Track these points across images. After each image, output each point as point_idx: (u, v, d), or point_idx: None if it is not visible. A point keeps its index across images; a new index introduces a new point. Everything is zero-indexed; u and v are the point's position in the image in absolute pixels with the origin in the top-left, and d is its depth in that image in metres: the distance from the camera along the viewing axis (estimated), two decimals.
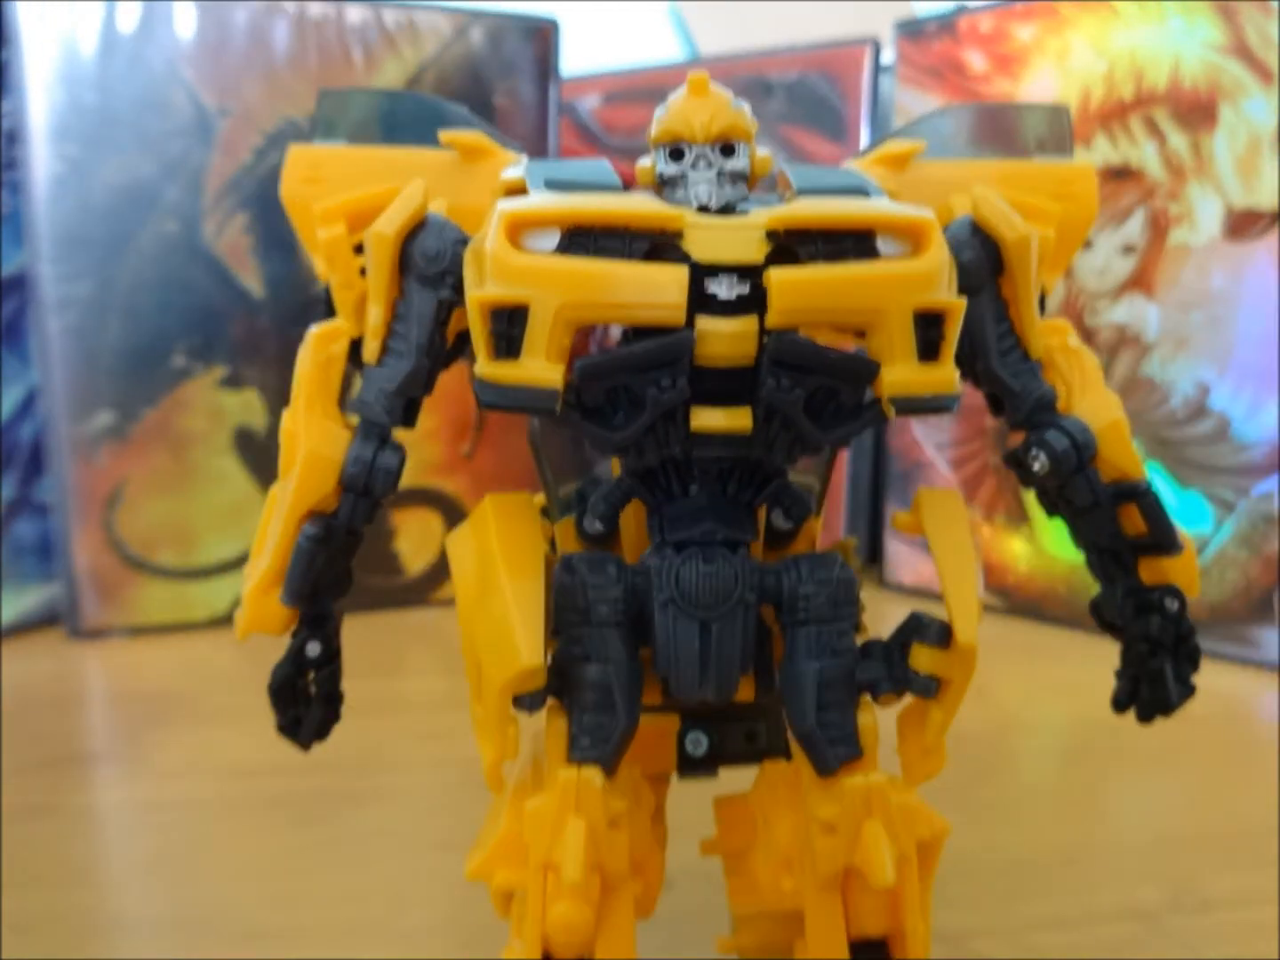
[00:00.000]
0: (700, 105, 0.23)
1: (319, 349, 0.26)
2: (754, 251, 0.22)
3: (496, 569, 0.24)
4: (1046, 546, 0.73)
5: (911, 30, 0.76)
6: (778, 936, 0.27)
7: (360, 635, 0.72)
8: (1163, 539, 0.26)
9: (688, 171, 0.23)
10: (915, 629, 0.25)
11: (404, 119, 0.28)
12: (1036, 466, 0.26)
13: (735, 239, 0.22)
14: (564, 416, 0.23)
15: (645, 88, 0.84)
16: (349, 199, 0.26)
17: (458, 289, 0.24)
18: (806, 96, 0.79)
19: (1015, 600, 0.75)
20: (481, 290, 0.22)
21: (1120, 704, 0.28)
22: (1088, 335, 0.70)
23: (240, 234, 0.69)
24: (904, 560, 0.81)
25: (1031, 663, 0.67)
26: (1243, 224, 0.63)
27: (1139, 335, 0.67)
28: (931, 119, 0.29)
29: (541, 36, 0.74)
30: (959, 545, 0.25)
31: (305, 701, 0.27)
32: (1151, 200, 0.66)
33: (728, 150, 0.23)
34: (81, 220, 0.65)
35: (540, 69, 0.74)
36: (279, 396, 0.71)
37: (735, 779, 0.29)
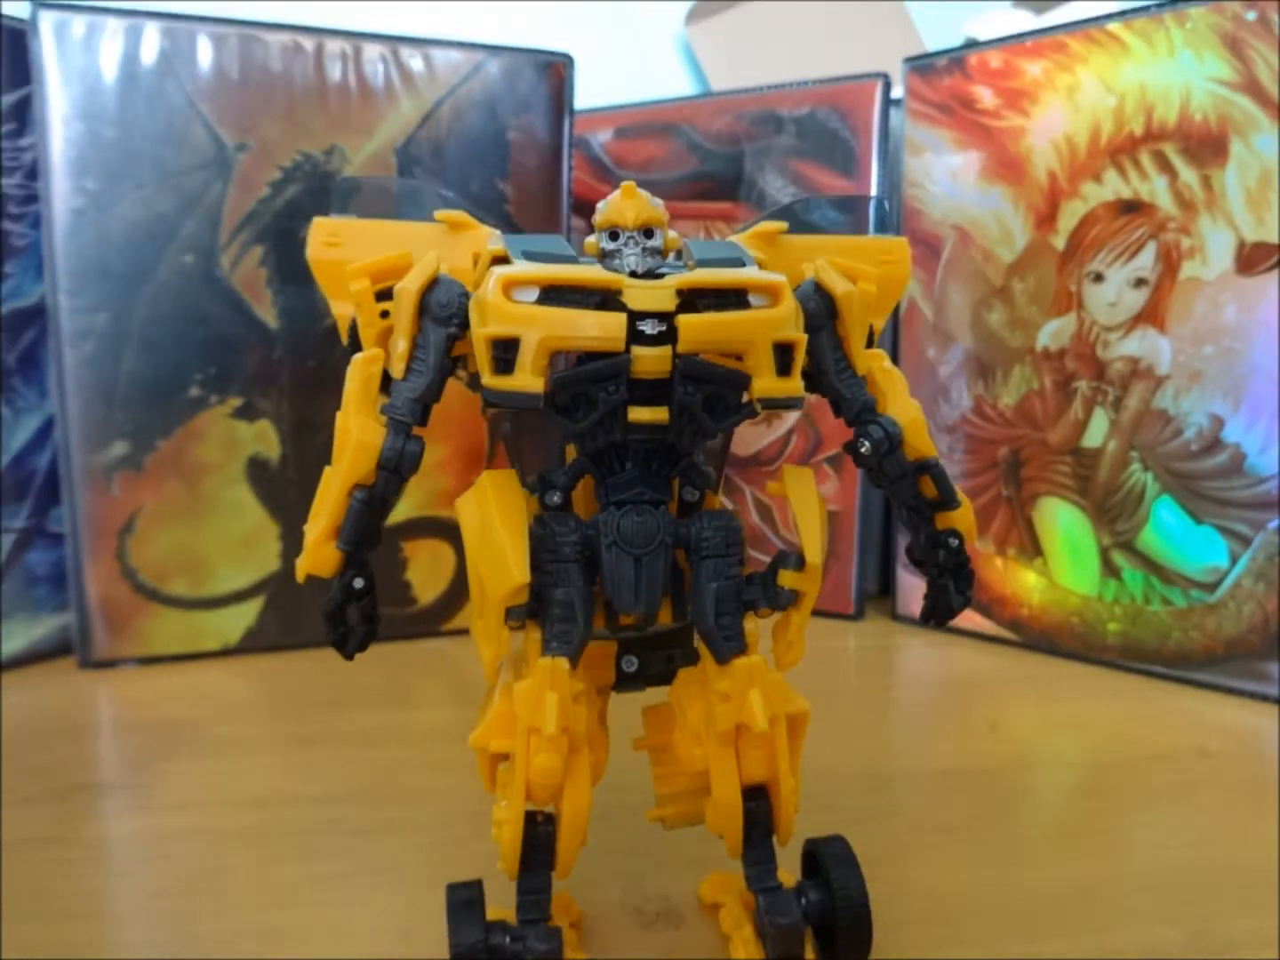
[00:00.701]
0: (630, 204, 0.33)
1: (363, 370, 0.34)
2: (669, 303, 0.32)
3: (494, 520, 0.33)
4: (1060, 579, 0.73)
5: (921, 66, 0.76)
6: (692, 807, 0.37)
7: (371, 665, 0.72)
8: (948, 498, 0.36)
9: (621, 248, 0.33)
10: (781, 561, 0.35)
11: (402, 199, 0.38)
12: (863, 449, 0.35)
13: (657, 295, 0.32)
14: (543, 413, 0.33)
15: (657, 122, 0.85)
16: (370, 262, 0.35)
17: (460, 326, 0.34)
18: (817, 131, 0.80)
19: (1028, 633, 0.75)
20: (486, 328, 0.32)
21: (925, 617, 0.38)
22: (1100, 367, 0.70)
23: (256, 267, 0.70)
24: (915, 593, 0.80)
25: (1045, 697, 0.66)
26: (1255, 258, 0.63)
27: (1151, 368, 0.67)
28: (794, 206, 0.40)
29: (555, 72, 0.75)
30: (809, 504, 0.36)
31: (347, 624, 0.35)
32: (1162, 234, 0.66)
33: (648, 234, 0.33)
34: (100, 253, 0.66)
35: (554, 104, 0.75)
36: (293, 427, 0.71)
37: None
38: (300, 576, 0.34)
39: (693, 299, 0.32)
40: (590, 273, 0.32)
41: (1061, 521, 0.73)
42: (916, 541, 0.37)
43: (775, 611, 0.35)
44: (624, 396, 0.32)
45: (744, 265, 0.34)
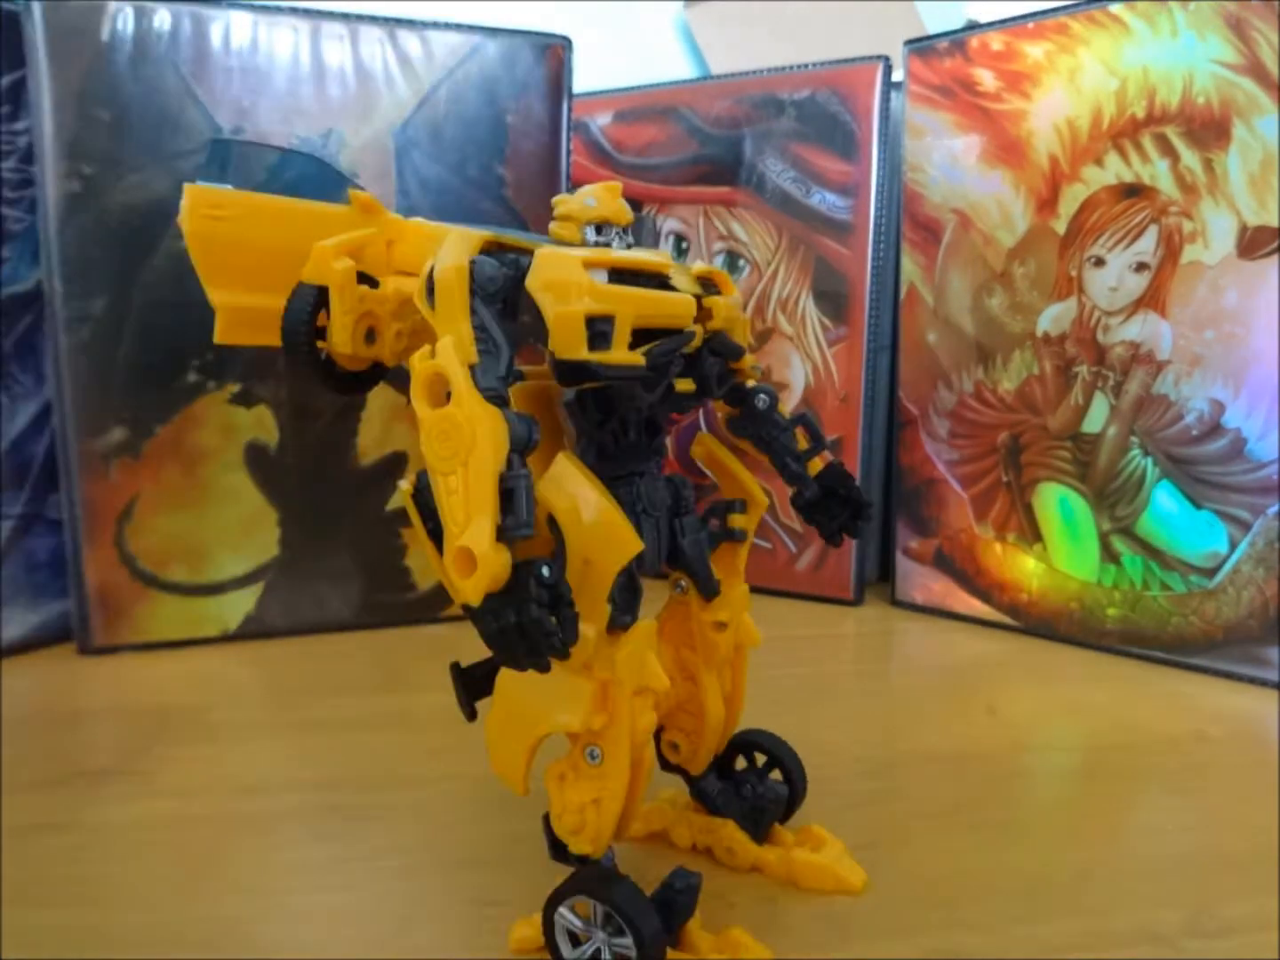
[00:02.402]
0: (618, 205, 0.36)
1: (460, 355, 0.31)
2: (698, 286, 0.38)
3: (597, 496, 0.33)
4: (1059, 565, 0.73)
5: (922, 48, 0.76)
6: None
7: (371, 651, 0.73)
8: (819, 442, 0.42)
9: (612, 240, 0.36)
10: (726, 508, 0.41)
11: (293, 176, 0.36)
12: (760, 404, 0.41)
13: (689, 279, 0.37)
14: (632, 383, 0.35)
15: (656, 106, 0.85)
16: (346, 239, 0.34)
17: (505, 303, 0.33)
18: (817, 114, 0.79)
19: (1028, 619, 0.75)
20: (581, 305, 0.32)
21: (835, 533, 0.43)
22: (1100, 352, 0.69)
23: None
24: (914, 579, 0.81)
25: (1044, 681, 0.66)
26: (1256, 241, 0.62)
27: (1152, 353, 0.67)
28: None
29: (554, 55, 0.74)
30: (735, 459, 0.41)
31: (557, 620, 0.30)
32: (1164, 218, 0.66)
33: (626, 230, 0.37)
34: (95, 237, 0.66)
35: (552, 87, 0.74)
36: (291, 413, 0.71)
37: None
38: (478, 596, 0.29)
39: (702, 288, 0.38)
40: (646, 257, 0.36)
41: (1061, 507, 0.73)
42: (805, 484, 0.42)
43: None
44: (681, 366, 0.36)
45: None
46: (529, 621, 0.29)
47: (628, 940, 0.34)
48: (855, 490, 0.42)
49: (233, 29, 0.67)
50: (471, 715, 0.37)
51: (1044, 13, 0.70)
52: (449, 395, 0.31)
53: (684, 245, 0.85)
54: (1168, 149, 0.65)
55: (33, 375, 0.70)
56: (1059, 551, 0.73)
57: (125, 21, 0.65)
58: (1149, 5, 0.65)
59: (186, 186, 0.34)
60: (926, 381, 0.78)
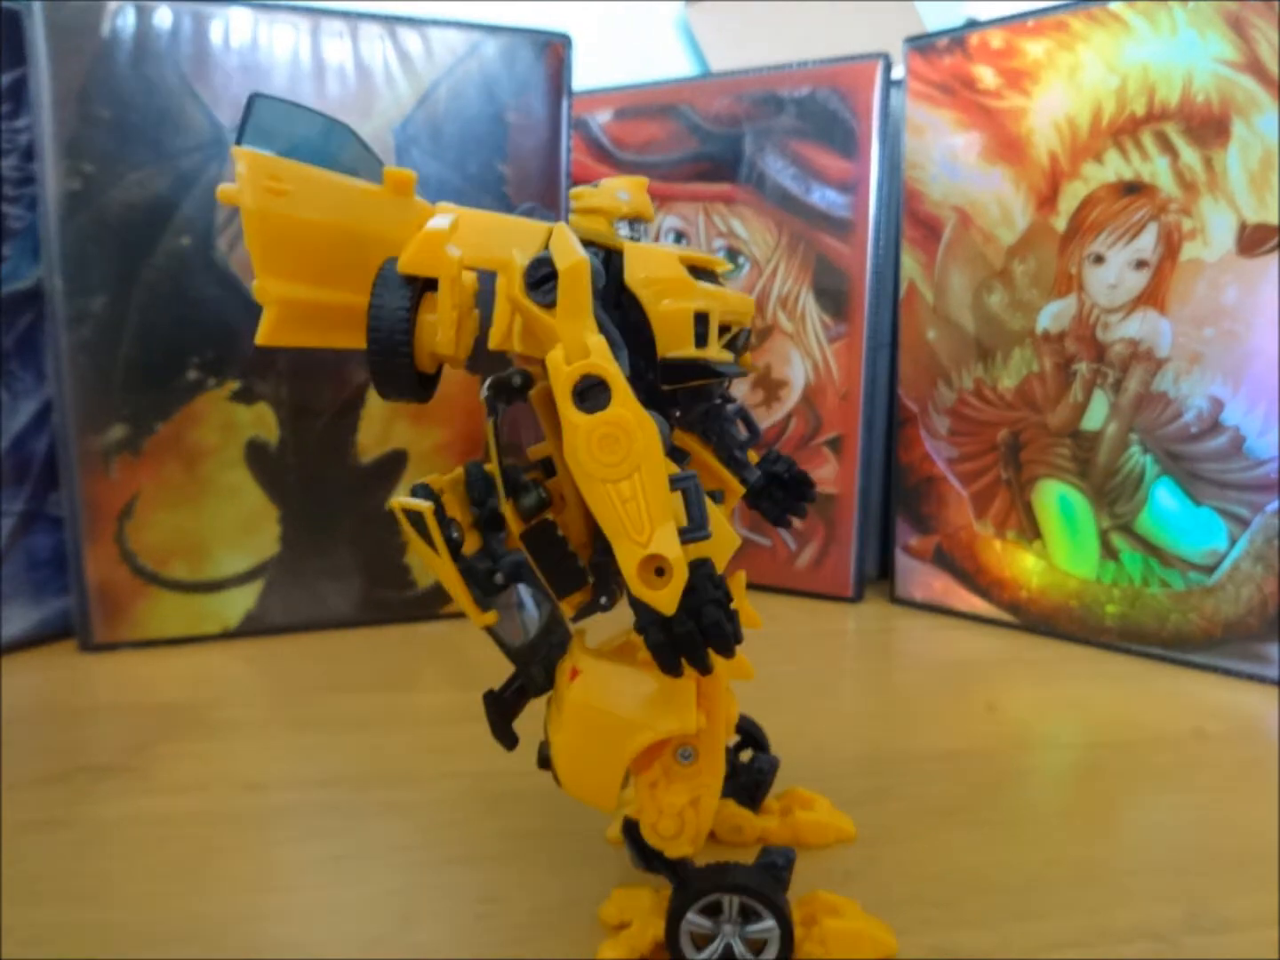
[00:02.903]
0: (646, 200, 0.35)
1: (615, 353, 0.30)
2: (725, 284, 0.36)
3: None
4: (1058, 562, 0.73)
5: (922, 45, 0.76)
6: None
7: (371, 649, 0.73)
8: (756, 433, 0.42)
9: (640, 236, 0.35)
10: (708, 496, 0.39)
11: (333, 147, 0.32)
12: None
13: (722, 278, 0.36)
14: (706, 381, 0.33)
15: (656, 103, 0.85)
16: (443, 231, 0.30)
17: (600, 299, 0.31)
18: (817, 112, 0.79)
19: (1027, 616, 0.75)
20: (691, 303, 0.32)
21: (781, 522, 0.43)
22: (1100, 350, 0.69)
23: None
24: (914, 576, 0.81)
25: (1043, 679, 0.67)
26: (1256, 239, 0.62)
27: (1151, 350, 0.67)
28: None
29: (554, 52, 0.74)
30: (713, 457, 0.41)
31: (728, 618, 0.29)
32: (1164, 215, 0.66)
33: (649, 227, 0.36)
34: (96, 235, 0.66)
35: (552, 85, 0.74)
36: (291, 411, 0.71)
37: None
38: (675, 604, 0.28)
39: None
40: (707, 255, 0.36)
41: (1061, 504, 0.73)
42: (749, 473, 0.41)
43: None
44: None
45: None
46: (710, 624, 0.28)
47: (764, 923, 0.34)
48: (799, 472, 0.43)
49: (233, 27, 0.67)
50: (513, 743, 0.36)
51: (1044, 10, 0.70)
52: (584, 395, 0.29)
53: (684, 243, 0.85)
54: (1167, 146, 0.65)
55: (33, 373, 0.70)
56: (1058, 549, 0.73)
57: (126, 19, 0.65)
58: (1149, 3, 0.65)
59: (239, 151, 0.28)
60: (926, 379, 0.78)
